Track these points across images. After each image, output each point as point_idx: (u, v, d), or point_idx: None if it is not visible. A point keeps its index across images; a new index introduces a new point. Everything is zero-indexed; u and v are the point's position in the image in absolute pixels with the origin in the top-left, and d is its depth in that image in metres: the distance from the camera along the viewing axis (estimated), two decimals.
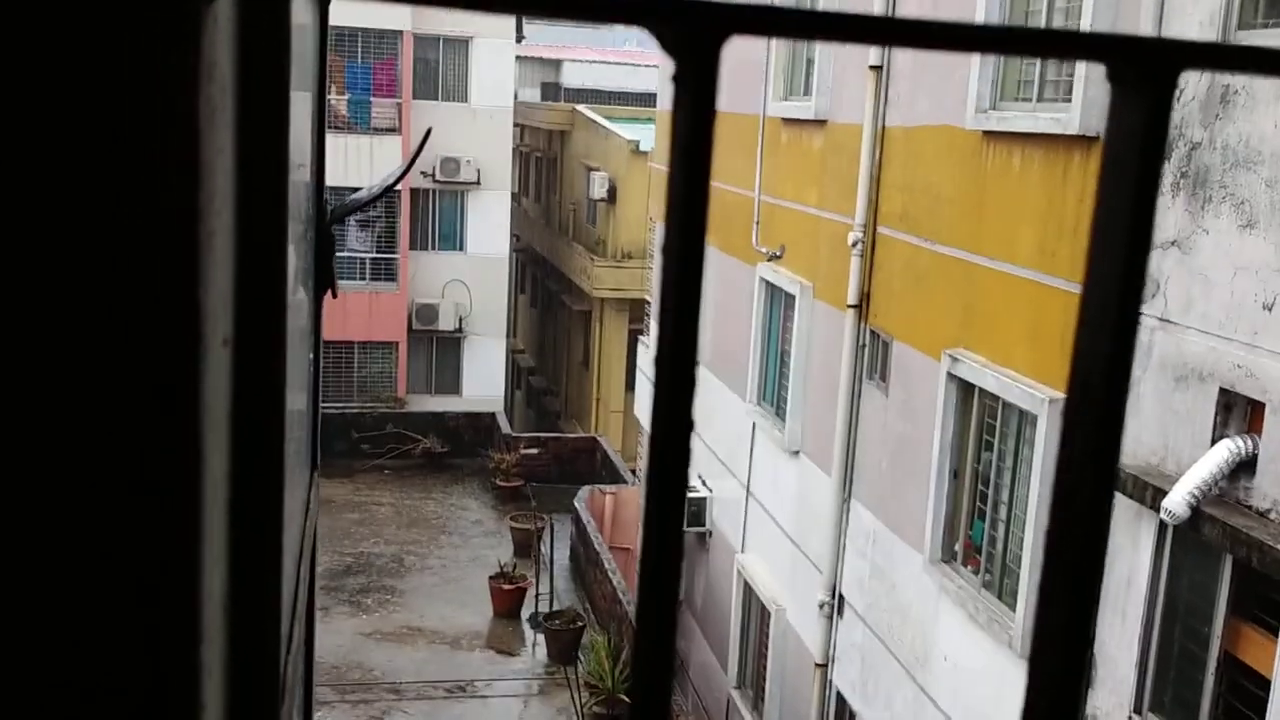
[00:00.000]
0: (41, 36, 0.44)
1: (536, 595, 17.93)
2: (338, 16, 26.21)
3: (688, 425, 0.54)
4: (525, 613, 18.10)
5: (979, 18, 8.64)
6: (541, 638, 17.26)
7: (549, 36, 46.04)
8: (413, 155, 2.59)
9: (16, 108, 0.44)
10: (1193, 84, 6.56)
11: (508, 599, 18.04)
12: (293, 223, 1.40)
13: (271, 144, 0.66)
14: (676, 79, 0.51)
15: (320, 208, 1.58)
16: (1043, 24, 8.18)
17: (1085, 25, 7.43)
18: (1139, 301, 0.55)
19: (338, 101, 25.66)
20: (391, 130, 25.94)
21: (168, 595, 0.50)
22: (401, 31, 25.70)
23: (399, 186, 25.68)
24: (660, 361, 0.52)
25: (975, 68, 8.69)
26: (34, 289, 0.46)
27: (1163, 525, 6.52)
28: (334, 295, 1.64)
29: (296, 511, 1.33)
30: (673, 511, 0.54)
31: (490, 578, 18.27)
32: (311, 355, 1.58)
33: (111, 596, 0.49)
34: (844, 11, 0.50)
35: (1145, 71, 0.53)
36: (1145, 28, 6.87)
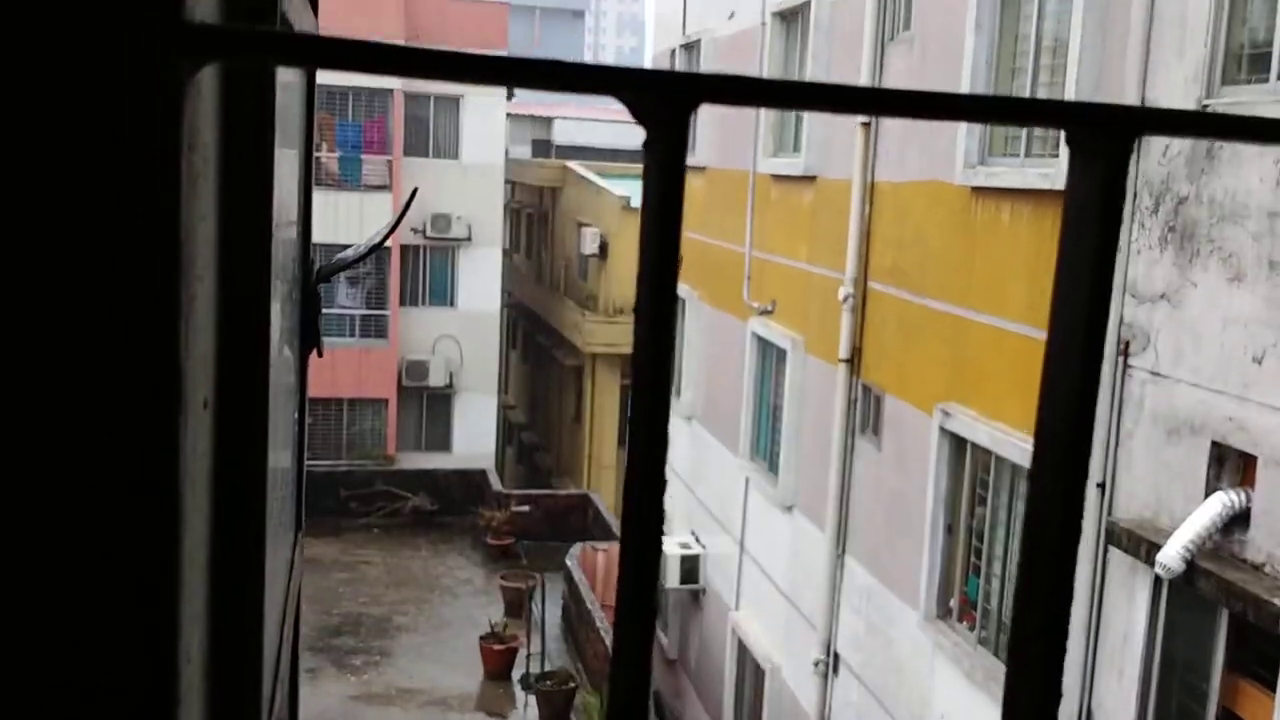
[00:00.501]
0: (25, 103, 0.45)
1: (528, 655, 17.74)
2: (328, 75, 26.53)
3: (660, 481, 0.54)
4: (516, 674, 17.90)
5: (965, 75, 8.77)
6: (533, 699, 17.04)
7: (540, 94, 46.50)
8: (398, 215, 2.61)
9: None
10: (1178, 139, 6.65)
11: (499, 660, 17.84)
12: (279, 282, 1.41)
13: (255, 209, 0.67)
14: (646, 145, 0.53)
15: (306, 267, 1.59)
16: (1029, 78, 8.29)
17: (1070, 80, 7.54)
18: (1099, 361, 0.56)
19: (328, 159, 25.83)
20: (382, 187, 26.09)
21: (143, 655, 0.50)
22: (392, 90, 25.95)
23: (389, 243, 25.78)
24: (634, 423, 0.53)
25: (963, 124, 8.80)
26: (11, 350, 0.47)
27: (1158, 580, 6.50)
28: (319, 354, 1.64)
29: (280, 571, 1.32)
30: (647, 577, 0.55)
31: (481, 638, 18.08)
32: (296, 415, 1.58)
33: (84, 666, 0.49)
34: (809, 81, 0.52)
35: (1102, 137, 0.54)
36: (1130, 83, 6.97)
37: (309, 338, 1.55)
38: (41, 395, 0.47)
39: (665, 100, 0.51)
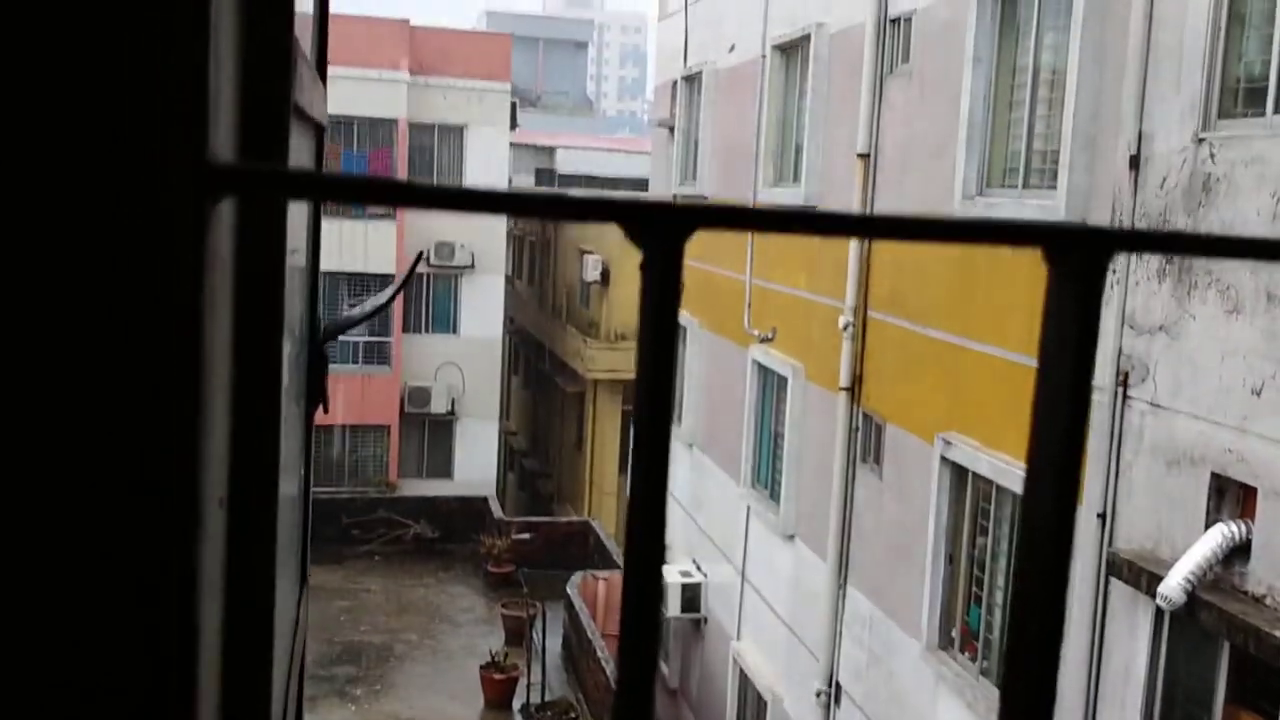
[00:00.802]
0: (57, 228, 0.48)
1: (528, 685, 17.67)
2: (333, 105, 26.58)
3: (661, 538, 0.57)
4: (517, 703, 17.82)
5: (964, 108, 8.83)
6: None
7: (543, 124, 46.77)
8: (403, 277, 2.64)
9: (33, 291, 0.48)
10: (1174, 171, 6.69)
11: (499, 689, 17.77)
12: (290, 343, 1.44)
13: (268, 311, 0.70)
14: (643, 267, 0.55)
15: (314, 325, 1.62)
16: (1026, 110, 8.35)
17: (1068, 112, 7.59)
18: (1079, 466, 0.58)
19: None
20: (386, 216, 26.19)
21: None
22: (397, 120, 26.09)
23: (392, 269, 25.85)
24: (629, 540, 0.55)
25: (961, 154, 8.86)
26: (35, 455, 0.49)
27: (1159, 611, 6.50)
28: (325, 411, 1.67)
29: (285, 631, 1.34)
30: (649, 608, 0.57)
31: (481, 667, 18.02)
32: (302, 472, 1.60)
33: None
34: (793, 208, 0.55)
35: (1078, 256, 0.57)
36: (1127, 116, 7.02)
37: (314, 396, 1.58)
38: (70, 507, 0.50)
39: (662, 228, 0.53)
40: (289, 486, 1.39)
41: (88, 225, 0.46)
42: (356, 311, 2.30)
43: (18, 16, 0.45)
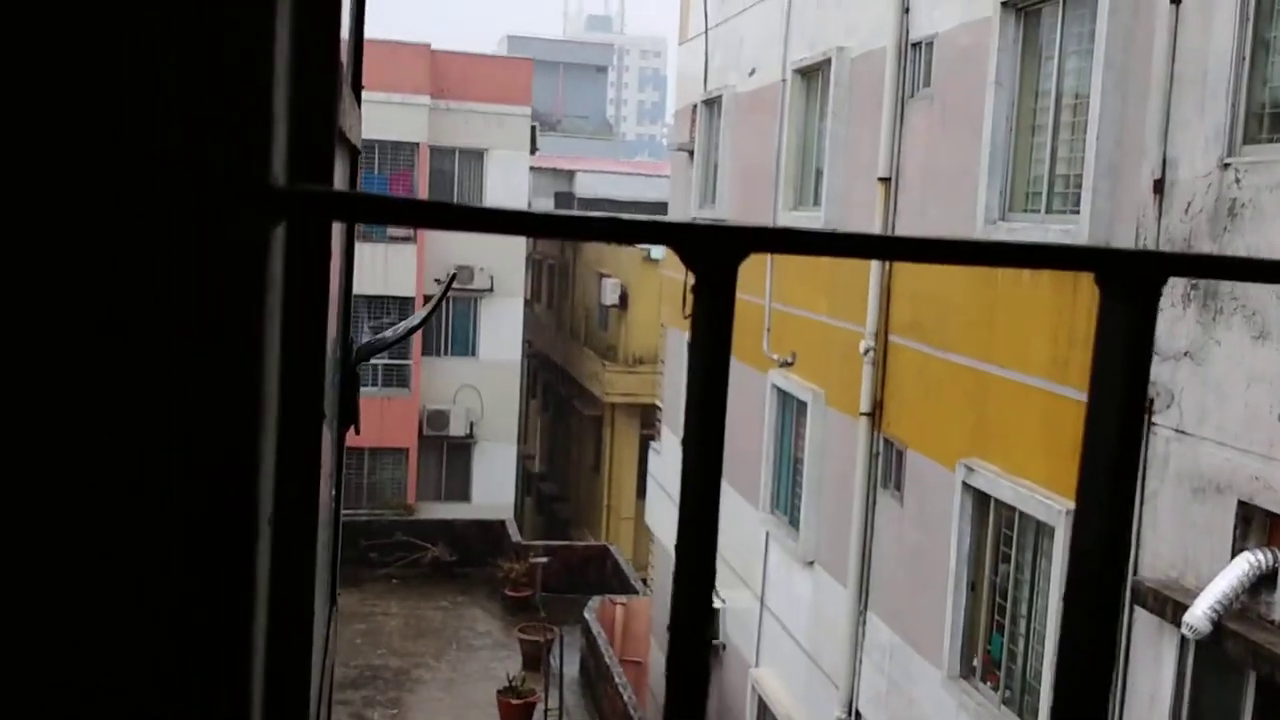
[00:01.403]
0: (129, 254, 0.49)
1: (545, 710, 17.60)
2: None
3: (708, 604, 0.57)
4: None
5: (985, 132, 8.82)
6: None
7: (563, 147, 46.98)
8: (438, 298, 2.66)
9: (109, 316, 0.49)
10: (1199, 195, 6.66)
11: (516, 714, 17.70)
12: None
13: (311, 330, 0.71)
14: (696, 290, 0.56)
15: (346, 347, 1.63)
16: (1049, 135, 8.33)
17: (1091, 137, 7.57)
18: (1131, 504, 0.58)
19: None
20: (407, 239, 26.33)
21: None
22: (418, 144, 26.26)
23: (412, 293, 25.96)
24: (680, 552, 0.55)
25: (984, 177, 8.85)
26: (107, 477, 0.50)
27: (1184, 641, 6.43)
28: (357, 432, 1.67)
29: (317, 650, 1.34)
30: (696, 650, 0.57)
31: (498, 692, 17.95)
32: (334, 492, 1.61)
33: None
34: (849, 231, 0.55)
35: (1130, 279, 0.57)
36: (1151, 141, 6.99)
37: (347, 417, 1.59)
38: (144, 527, 0.50)
39: (716, 250, 0.54)
40: (322, 508, 1.40)
41: (158, 248, 0.47)
42: (389, 333, 2.31)
43: (91, 42, 0.46)
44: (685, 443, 0.57)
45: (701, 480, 0.54)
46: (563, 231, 0.52)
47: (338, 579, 1.71)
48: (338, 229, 1.43)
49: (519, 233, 0.51)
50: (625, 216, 0.53)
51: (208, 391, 0.48)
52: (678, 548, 0.56)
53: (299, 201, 0.48)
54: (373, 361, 26.69)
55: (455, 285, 26.89)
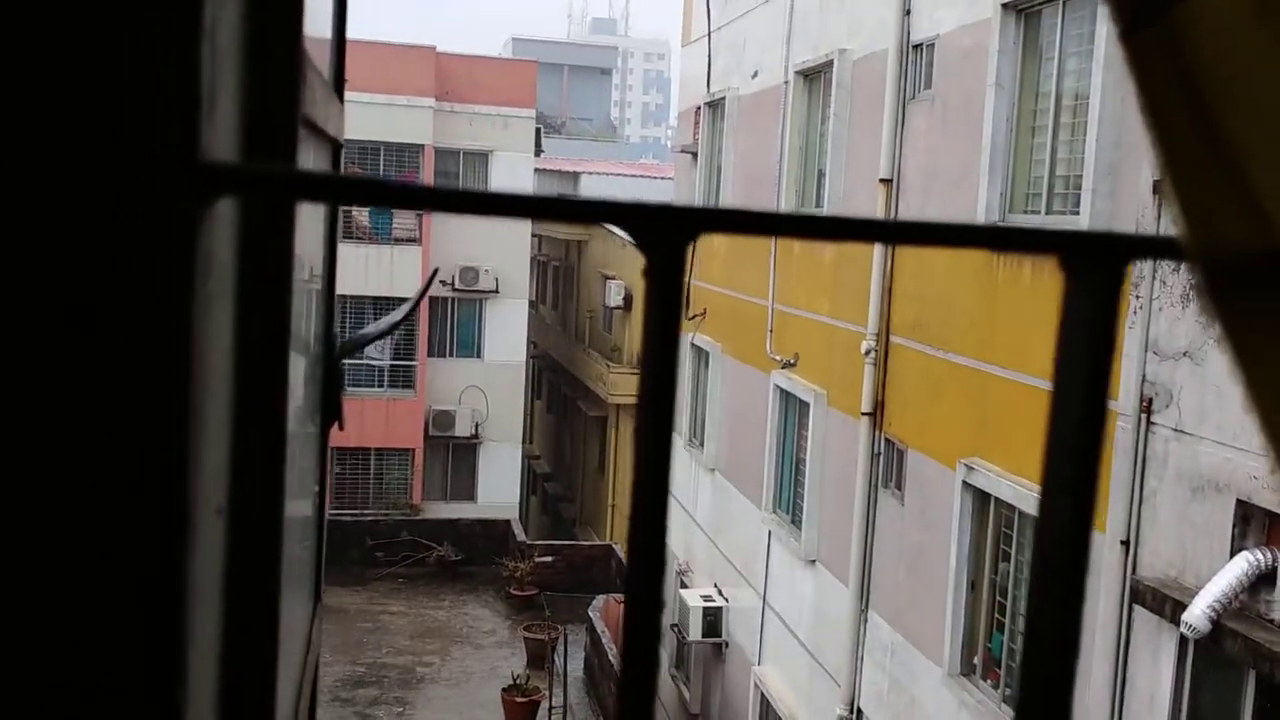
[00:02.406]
0: (47, 238, 0.47)
1: (550, 709, 17.61)
2: (360, 130, 26.60)
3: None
4: None
5: (986, 133, 8.80)
6: None
7: (567, 150, 47.00)
8: (418, 294, 2.65)
9: (17, 285, 0.47)
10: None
11: (521, 712, 17.71)
12: (302, 360, 1.44)
13: (272, 317, 0.69)
14: (646, 273, 0.54)
15: (330, 341, 1.62)
16: (1049, 136, 8.32)
17: (1091, 138, 7.55)
18: (1094, 491, 0.56)
19: (359, 213, 26.09)
20: (412, 241, 26.34)
21: None
22: (423, 145, 26.27)
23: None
24: (631, 543, 0.54)
25: (984, 178, 8.83)
26: (22, 456, 0.48)
27: (1183, 639, 6.41)
28: (340, 427, 1.66)
29: (295, 649, 1.33)
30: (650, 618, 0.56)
31: (503, 690, 17.96)
32: (317, 488, 1.60)
33: None
34: (799, 214, 0.53)
35: (1094, 263, 0.55)
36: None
37: (330, 412, 1.58)
38: (59, 507, 0.49)
39: (666, 231, 0.53)
40: (301, 503, 1.39)
41: (74, 222, 0.46)
42: (372, 329, 2.30)
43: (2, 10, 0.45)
44: (638, 416, 0.56)
45: (653, 466, 0.53)
46: (507, 210, 0.51)
47: (323, 576, 1.70)
48: (312, 218, 1.42)
49: (459, 211, 0.50)
50: (573, 196, 0.52)
51: (127, 373, 0.47)
52: (630, 535, 0.55)
53: (230, 178, 0.47)
54: (378, 362, 26.71)
55: (460, 286, 26.92)
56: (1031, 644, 0.60)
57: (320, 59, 1.37)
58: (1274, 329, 0.54)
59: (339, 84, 1.61)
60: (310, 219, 1.37)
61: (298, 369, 1.30)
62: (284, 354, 0.73)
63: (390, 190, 0.48)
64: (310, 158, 1.16)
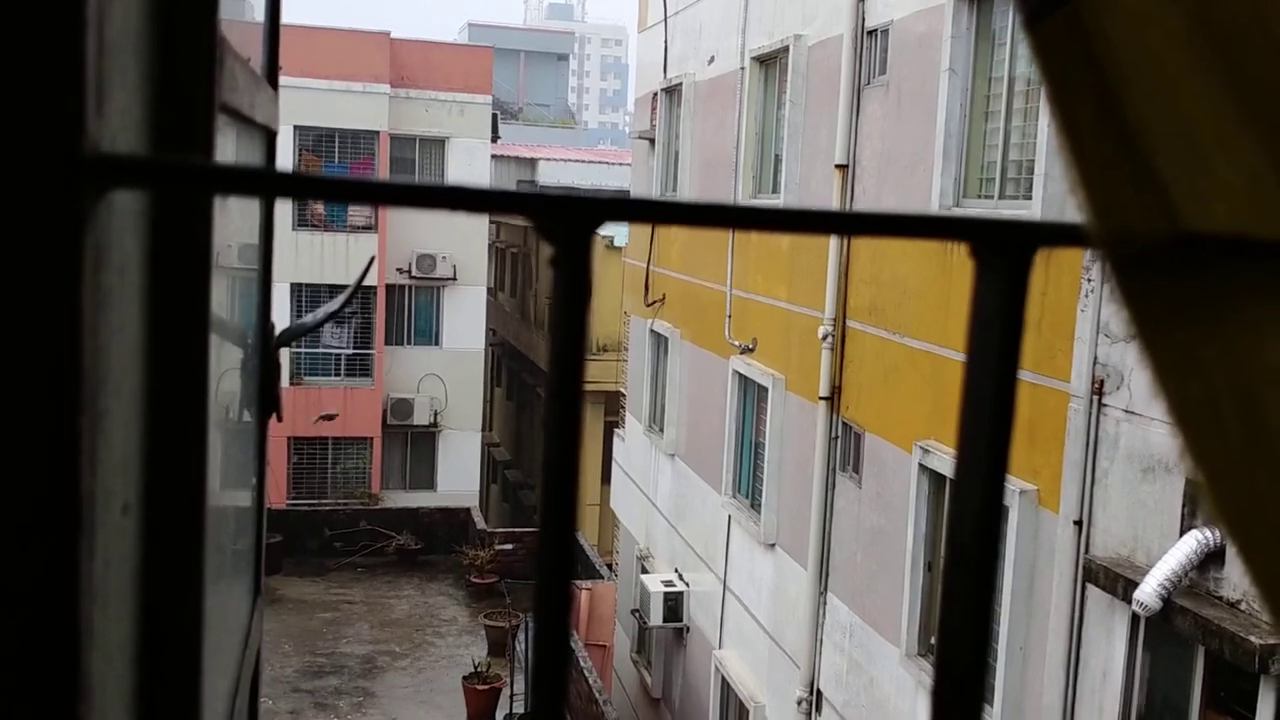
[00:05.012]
0: None
1: (511, 695, 17.61)
2: (315, 117, 26.32)
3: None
4: (500, 713, 17.75)
5: (940, 118, 8.86)
6: None
7: (525, 136, 46.79)
8: (355, 283, 2.63)
9: None
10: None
11: (482, 700, 17.70)
12: (237, 348, 1.42)
13: (188, 326, 0.68)
14: (553, 263, 0.54)
15: (267, 332, 1.60)
16: (1002, 120, 8.38)
17: (1043, 122, 7.62)
18: (1004, 471, 0.57)
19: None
20: (367, 228, 26.14)
21: None
22: (378, 132, 26.06)
23: (374, 283, 25.80)
24: (542, 543, 0.53)
25: (939, 164, 8.89)
26: None
27: (1135, 617, 6.51)
28: (279, 419, 1.65)
29: (233, 644, 1.32)
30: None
31: (464, 678, 17.95)
32: (255, 480, 1.58)
33: None
34: (704, 202, 0.53)
35: (1004, 250, 0.56)
36: None
37: (267, 403, 1.56)
38: None
39: (569, 221, 0.52)
40: (236, 495, 1.37)
41: None
42: (309, 319, 2.28)
43: None
44: (545, 405, 0.56)
45: (560, 461, 0.53)
46: (409, 200, 0.50)
47: (262, 568, 1.69)
48: (246, 206, 1.40)
49: (358, 201, 0.49)
50: (474, 185, 0.51)
51: (14, 366, 0.45)
52: (540, 521, 0.54)
53: (120, 170, 0.46)
54: (336, 351, 26.53)
55: (417, 274, 26.76)
56: (946, 627, 0.60)
57: (250, 45, 1.35)
58: (1179, 315, 0.55)
59: (272, 70, 1.58)
60: (244, 203, 1.35)
61: (229, 359, 1.28)
62: (202, 344, 0.72)
63: (289, 181, 0.47)
64: (235, 146, 1.14)
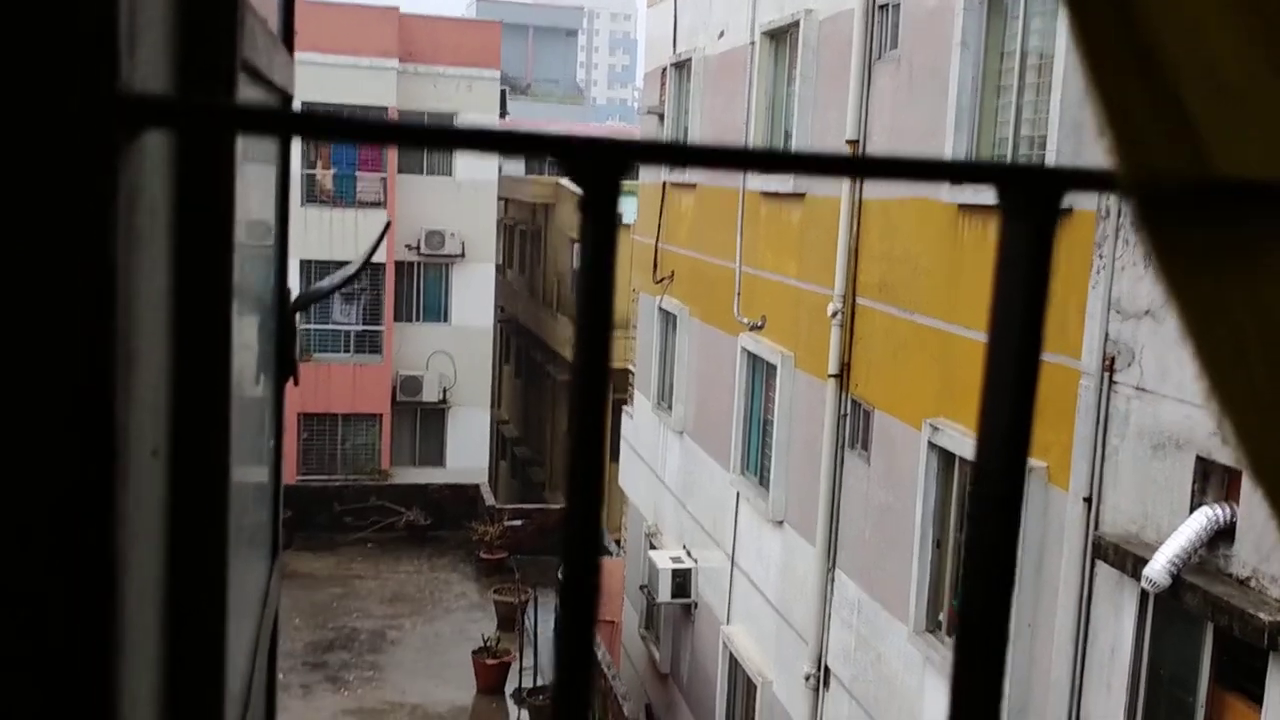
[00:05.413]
0: None
1: (520, 670, 17.71)
2: (323, 93, 26.31)
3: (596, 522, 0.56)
4: (509, 688, 17.86)
5: (951, 93, 8.81)
6: (526, 713, 17.01)
7: (533, 112, 46.66)
8: (371, 247, 2.63)
9: None
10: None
11: (491, 674, 17.81)
12: (255, 312, 1.42)
13: (214, 256, 0.68)
14: (582, 206, 0.54)
15: (283, 295, 1.60)
16: (1014, 95, 8.33)
17: (1055, 98, 7.58)
18: (1029, 428, 0.57)
19: (324, 176, 25.86)
20: (377, 204, 26.13)
21: (81, 705, 0.50)
22: (387, 108, 26.01)
23: (383, 260, 25.81)
24: (571, 472, 0.54)
25: (950, 138, 8.84)
26: None
27: (1144, 594, 6.52)
28: (295, 383, 1.66)
29: (252, 603, 1.33)
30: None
31: (474, 652, 18.05)
32: (273, 442, 1.59)
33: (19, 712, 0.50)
34: (729, 145, 0.53)
35: (1031, 196, 0.56)
36: None
37: (285, 366, 1.57)
38: None
39: (598, 162, 0.52)
40: (255, 456, 1.38)
41: None
42: (325, 283, 2.30)
43: None
44: (572, 367, 0.56)
45: (587, 399, 0.53)
46: (437, 142, 0.51)
47: (280, 532, 1.70)
48: (262, 173, 1.40)
49: (388, 142, 0.49)
50: (497, 128, 0.51)
51: (44, 302, 0.46)
52: (567, 483, 0.55)
53: (153, 111, 0.46)
54: (344, 328, 26.56)
55: (426, 251, 26.75)
56: (970, 579, 0.61)
57: (268, 10, 1.35)
58: (1207, 259, 0.55)
59: (288, 36, 1.58)
60: (260, 173, 1.35)
61: (249, 321, 1.29)
62: (226, 288, 0.73)
63: (316, 123, 0.47)
64: (254, 100, 1.14)
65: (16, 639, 0.49)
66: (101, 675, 0.51)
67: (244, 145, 0.98)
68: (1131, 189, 0.55)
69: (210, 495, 0.71)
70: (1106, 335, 7.00)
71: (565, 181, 30.37)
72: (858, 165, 0.53)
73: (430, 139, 0.50)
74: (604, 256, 0.54)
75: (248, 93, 0.98)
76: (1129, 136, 0.53)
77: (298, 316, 1.69)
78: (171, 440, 0.66)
